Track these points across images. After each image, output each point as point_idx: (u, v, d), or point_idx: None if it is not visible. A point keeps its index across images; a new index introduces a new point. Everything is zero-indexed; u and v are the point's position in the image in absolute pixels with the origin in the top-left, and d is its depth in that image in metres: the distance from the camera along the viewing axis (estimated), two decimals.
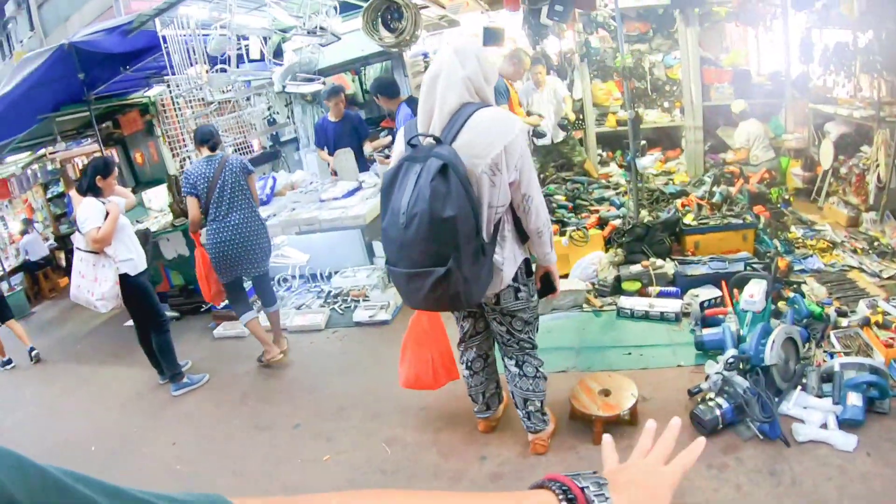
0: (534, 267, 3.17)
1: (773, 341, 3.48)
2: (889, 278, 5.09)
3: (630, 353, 4.35)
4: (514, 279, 2.94)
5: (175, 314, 6.96)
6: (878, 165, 6.04)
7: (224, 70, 5.72)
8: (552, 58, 8.81)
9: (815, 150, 7.27)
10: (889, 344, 3.85)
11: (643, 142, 5.55)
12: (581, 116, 8.34)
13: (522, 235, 2.96)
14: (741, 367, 3.52)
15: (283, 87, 7.10)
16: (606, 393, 3.60)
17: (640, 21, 8.52)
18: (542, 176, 7.82)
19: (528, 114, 6.27)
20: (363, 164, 7.06)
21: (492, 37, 8.48)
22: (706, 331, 4.18)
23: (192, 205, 4.84)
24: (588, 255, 5.35)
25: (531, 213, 2.82)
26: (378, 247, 5.97)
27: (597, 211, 6.23)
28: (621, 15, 8.18)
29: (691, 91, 7.68)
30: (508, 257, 2.90)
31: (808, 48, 7.77)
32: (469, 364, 3.51)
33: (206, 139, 4.88)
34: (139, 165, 11.34)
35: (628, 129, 5.37)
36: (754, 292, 4.18)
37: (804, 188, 7.28)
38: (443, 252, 2.52)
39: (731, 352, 3.67)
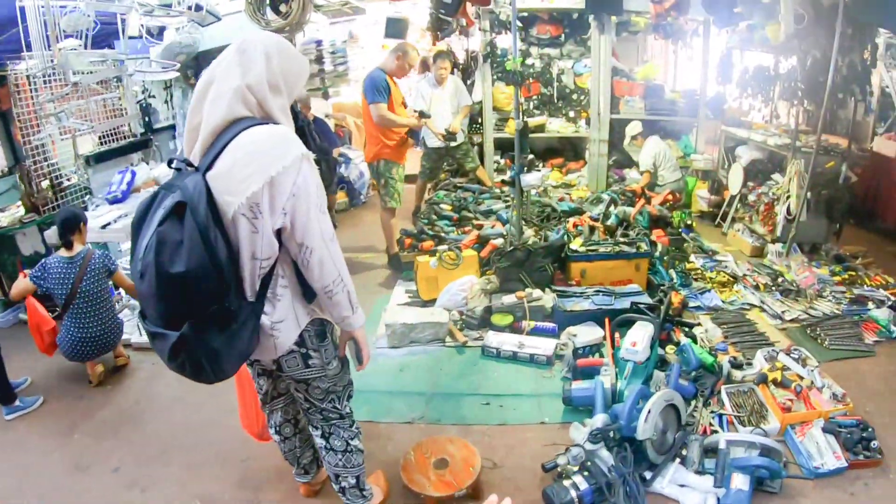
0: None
1: (649, 411, 2.84)
2: (792, 321, 4.64)
3: (488, 404, 3.63)
4: (301, 343, 2.24)
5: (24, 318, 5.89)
6: (788, 196, 5.64)
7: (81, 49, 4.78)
8: (456, 55, 8.18)
9: (724, 174, 6.91)
10: (786, 407, 3.35)
11: (530, 156, 4.88)
12: (480, 121, 7.67)
13: (311, 290, 2.20)
14: (610, 436, 2.87)
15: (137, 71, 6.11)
16: (443, 464, 2.88)
17: (553, 24, 7.93)
18: (433, 182, 7.16)
19: (421, 115, 5.50)
20: None
21: (394, 27, 7.78)
22: (577, 384, 3.50)
23: (26, 289, 4.07)
24: (459, 280, 4.63)
25: (312, 268, 2.03)
26: None
27: (480, 226, 5.55)
28: (531, 16, 7.76)
29: (599, 102, 7.22)
30: (285, 319, 2.12)
31: (727, 69, 7.51)
32: (277, 429, 2.76)
33: (64, 231, 4.04)
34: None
35: (515, 140, 4.69)
36: (637, 339, 3.55)
37: (709, 212, 6.93)
38: (175, 314, 1.87)
39: (599, 418, 3.02)
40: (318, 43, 7.57)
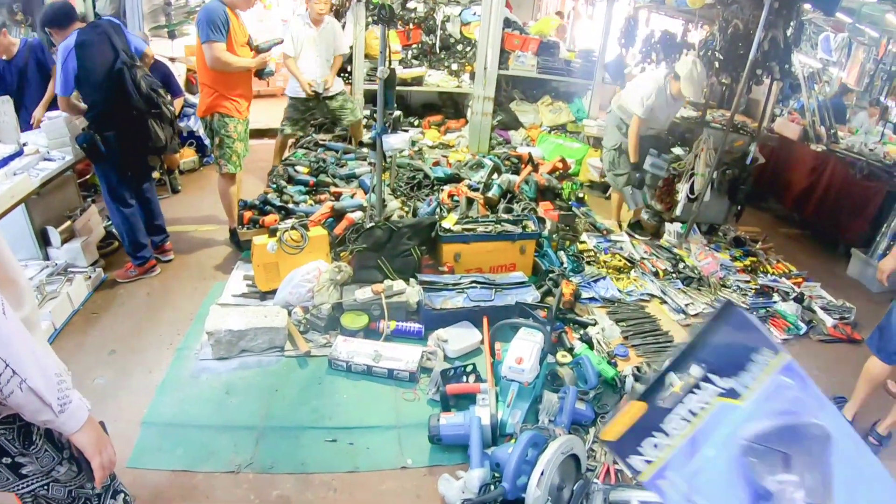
0: None
1: (543, 473, 2.07)
2: (696, 316, 4.14)
3: (335, 441, 2.72)
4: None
5: None
6: (693, 175, 5.09)
7: None
8: None
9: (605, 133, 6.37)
10: None
11: (397, 112, 3.92)
12: (349, 69, 6.66)
13: None
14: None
15: None
16: None
17: None
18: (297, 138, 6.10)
19: (258, 50, 4.31)
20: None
21: None
22: (446, 417, 2.65)
23: None
24: (304, 267, 3.61)
25: None
26: (55, 235, 3.90)
27: (338, 194, 4.59)
28: None
29: (487, 55, 6.46)
30: None
31: (632, 31, 6.99)
32: None
33: None
34: None
35: (378, 92, 3.73)
36: (524, 355, 2.77)
37: (600, 182, 6.36)
38: None
39: (476, 475, 2.24)
40: None
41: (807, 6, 5.23)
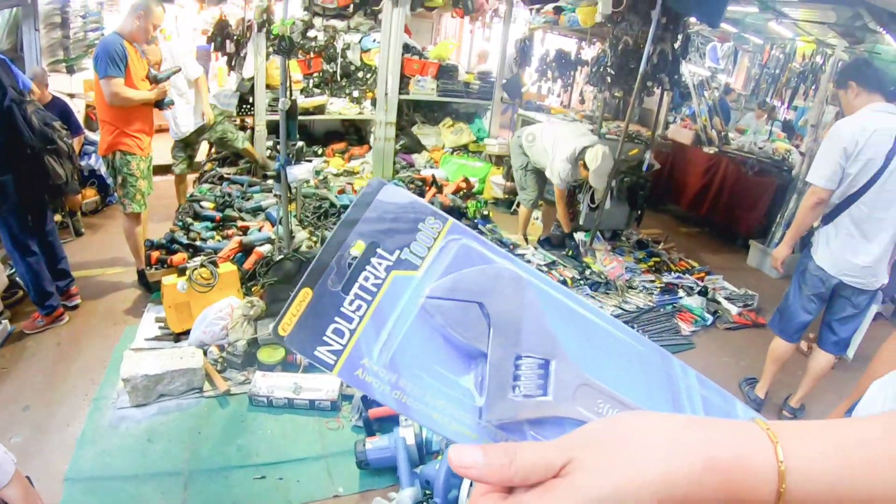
0: None
1: (472, 484, 2.13)
2: None
3: (264, 477, 2.68)
4: None
5: None
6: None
7: None
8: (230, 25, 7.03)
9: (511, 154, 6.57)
10: None
11: (300, 143, 3.92)
12: (251, 100, 6.58)
13: None
14: None
15: None
16: None
17: None
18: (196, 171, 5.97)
19: (155, 80, 4.21)
20: None
21: None
22: (372, 442, 2.66)
23: None
24: (216, 305, 3.54)
25: None
26: None
27: (246, 228, 4.54)
28: None
29: (388, 81, 6.47)
30: None
31: (527, 51, 7.26)
32: None
33: None
34: None
35: (280, 123, 3.73)
36: None
37: (505, 199, 6.51)
38: None
39: (407, 494, 2.26)
40: (64, 4, 6.22)
41: (693, 20, 5.55)
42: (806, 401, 3.47)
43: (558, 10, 6.39)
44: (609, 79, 5.56)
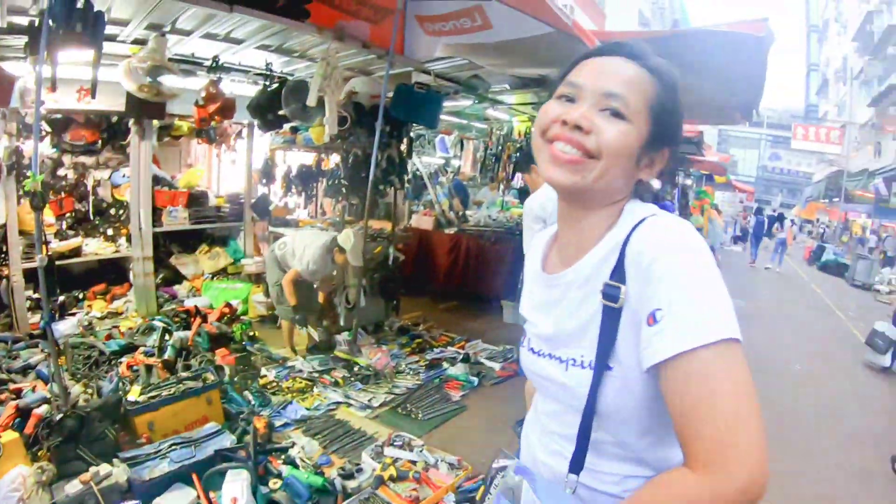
0: None
1: None
2: (381, 406, 4.67)
3: None
4: None
5: None
6: (346, 287, 5.80)
7: None
8: None
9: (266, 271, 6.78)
10: (414, 499, 3.33)
11: (62, 298, 3.90)
12: (3, 248, 6.08)
13: None
14: None
15: None
16: None
17: (90, 128, 6.84)
18: None
19: None
20: None
21: None
22: None
23: None
24: (6, 477, 3.27)
25: None
26: None
27: (19, 391, 4.31)
28: (66, 118, 6.55)
29: (140, 216, 6.44)
30: None
31: (270, 170, 7.72)
32: None
33: None
34: None
35: (40, 280, 3.70)
36: (236, 494, 3.05)
37: (269, 315, 6.61)
38: None
39: None
40: None
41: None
42: None
43: (294, 130, 6.93)
44: (344, 189, 6.14)
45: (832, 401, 5.94)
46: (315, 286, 5.70)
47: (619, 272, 1.02)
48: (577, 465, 1.10)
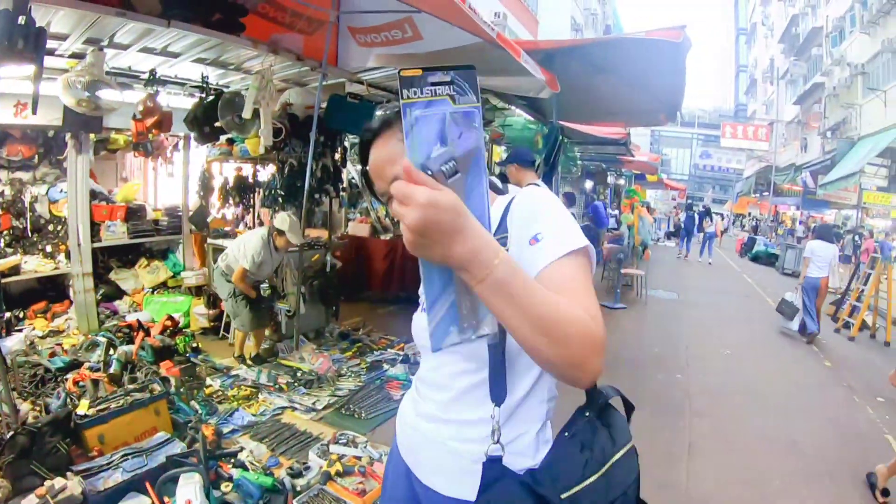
0: None
1: None
2: (325, 408, 4.86)
3: None
4: None
5: None
6: (284, 295, 5.98)
7: None
8: None
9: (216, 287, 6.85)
10: (361, 491, 3.53)
11: (6, 314, 3.98)
12: None
13: None
14: None
15: None
16: None
17: (27, 144, 6.79)
18: None
19: None
20: None
21: None
22: None
23: None
24: None
25: None
26: None
27: None
28: (2, 134, 6.51)
29: (79, 231, 6.37)
30: None
31: (207, 181, 7.72)
32: None
33: None
34: None
35: None
36: (190, 496, 3.22)
37: (211, 326, 6.69)
38: None
39: None
40: None
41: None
42: None
43: (230, 141, 6.98)
44: (280, 199, 6.27)
45: (759, 379, 6.67)
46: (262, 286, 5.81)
47: (502, 228, 1.33)
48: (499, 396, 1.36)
